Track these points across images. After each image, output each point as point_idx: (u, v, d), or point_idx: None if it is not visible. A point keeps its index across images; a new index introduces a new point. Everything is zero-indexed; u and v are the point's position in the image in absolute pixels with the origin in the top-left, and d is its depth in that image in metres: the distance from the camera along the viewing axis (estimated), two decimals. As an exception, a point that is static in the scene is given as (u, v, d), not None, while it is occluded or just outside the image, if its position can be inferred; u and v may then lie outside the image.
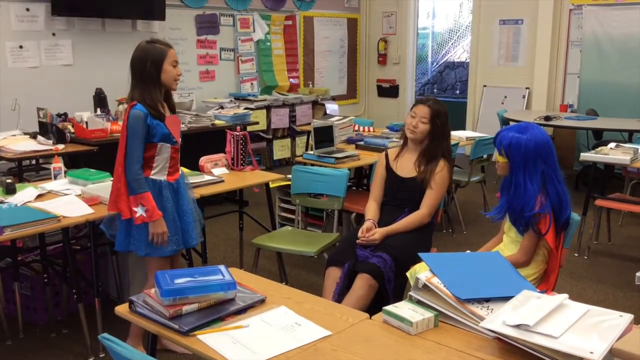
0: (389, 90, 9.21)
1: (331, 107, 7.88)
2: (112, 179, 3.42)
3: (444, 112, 3.20)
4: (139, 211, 2.72)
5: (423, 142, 3.23)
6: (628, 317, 1.66)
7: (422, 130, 3.19)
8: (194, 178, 3.55)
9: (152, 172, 2.83)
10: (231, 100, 7.05)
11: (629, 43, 6.80)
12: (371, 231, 3.08)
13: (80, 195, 3.20)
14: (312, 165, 4.29)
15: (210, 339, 1.73)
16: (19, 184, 3.38)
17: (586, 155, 4.52)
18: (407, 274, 2.38)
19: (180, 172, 2.99)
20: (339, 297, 2.93)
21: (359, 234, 3.09)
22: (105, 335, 1.62)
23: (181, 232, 2.92)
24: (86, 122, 4.79)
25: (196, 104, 6.57)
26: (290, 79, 8.26)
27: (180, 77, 2.88)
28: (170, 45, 2.85)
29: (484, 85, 8.25)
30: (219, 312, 1.85)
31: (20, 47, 5.66)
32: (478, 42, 8.27)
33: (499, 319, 1.68)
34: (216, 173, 3.77)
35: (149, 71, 2.75)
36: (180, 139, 2.93)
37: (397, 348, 1.71)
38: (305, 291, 2.14)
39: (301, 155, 4.62)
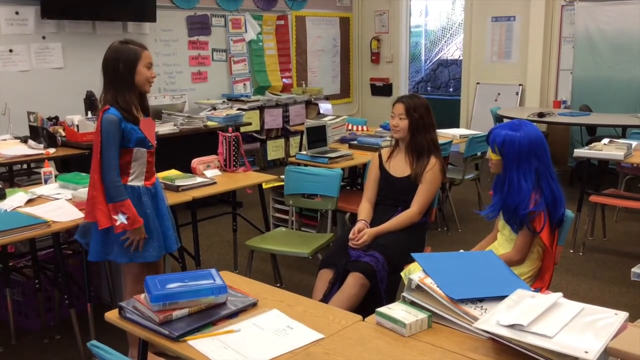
0: (382, 89, 9.19)
1: (325, 106, 7.85)
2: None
3: (421, 105, 3.24)
4: (120, 219, 2.60)
5: (407, 138, 3.25)
6: (623, 315, 1.65)
7: (403, 127, 3.23)
8: (186, 180, 3.53)
9: (130, 178, 2.71)
10: (224, 101, 7.01)
11: (622, 38, 6.80)
12: (361, 232, 3.07)
13: (70, 199, 3.16)
14: (305, 165, 4.27)
15: (201, 344, 1.71)
16: (9, 189, 3.35)
17: (580, 152, 4.52)
18: (402, 274, 2.36)
19: (155, 176, 2.88)
20: (326, 298, 2.91)
21: (350, 236, 3.08)
22: (94, 342, 1.60)
23: (162, 237, 2.82)
24: (77, 126, 4.76)
25: (188, 106, 6.53)
26: (283, 79, 8.23)
27: (154, 79, 2.78)
28: (145, 47, 2.75)
29: (477, 83, 8.24)
30: (210, 316, 1.83)
31: (10, 50, 5.62)
32: (471, 39, 8.26)
33: (492, 319, 1.66)
34: (208, 175, 3.74)
35: (122, 73, 2.64)
36: (155, 142, 2.81)
37: (391, 350, 1.69)
38: (300, 292, 2.12)
39: (294, 156, 4.60)
